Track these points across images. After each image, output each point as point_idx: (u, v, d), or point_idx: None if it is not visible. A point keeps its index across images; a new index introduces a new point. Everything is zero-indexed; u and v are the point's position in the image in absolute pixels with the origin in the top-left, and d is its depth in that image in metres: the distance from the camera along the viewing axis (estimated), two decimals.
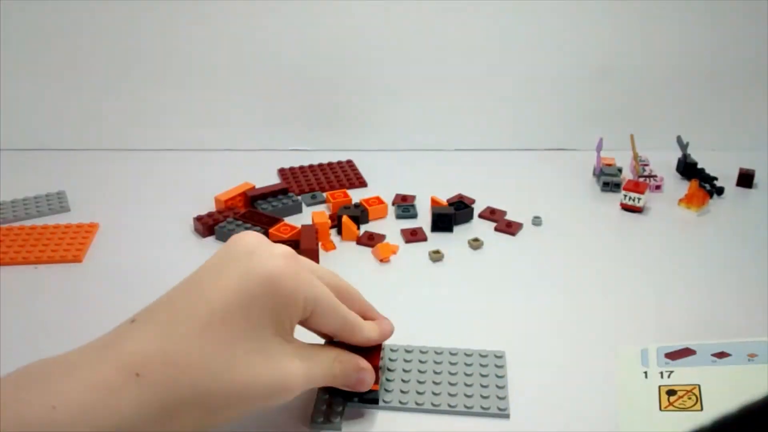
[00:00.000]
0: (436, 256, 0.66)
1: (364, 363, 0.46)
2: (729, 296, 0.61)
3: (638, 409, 0.48)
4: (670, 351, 0.53)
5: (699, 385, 0.49)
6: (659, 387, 0.49)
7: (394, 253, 0.67)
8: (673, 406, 0.48)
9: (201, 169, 0.84)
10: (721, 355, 0.51)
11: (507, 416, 0.48)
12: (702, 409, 0.47)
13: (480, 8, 0.85)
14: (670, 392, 0.49)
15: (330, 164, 0.85)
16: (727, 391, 0.48)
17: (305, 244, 0.65)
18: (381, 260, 0.66)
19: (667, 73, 0.89)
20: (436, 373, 0.51)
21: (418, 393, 0.49)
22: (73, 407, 0.35)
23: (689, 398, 0.48)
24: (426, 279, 0.64)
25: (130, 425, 0.36)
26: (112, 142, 0.89)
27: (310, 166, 0.85)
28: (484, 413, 0.48)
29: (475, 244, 0.69)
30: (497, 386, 0.50)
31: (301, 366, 0.42)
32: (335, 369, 0.45)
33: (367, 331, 0.47)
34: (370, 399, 0.48)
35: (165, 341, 0.38)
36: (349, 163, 0.86)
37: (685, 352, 0.52)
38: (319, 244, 0.67)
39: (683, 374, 0.50)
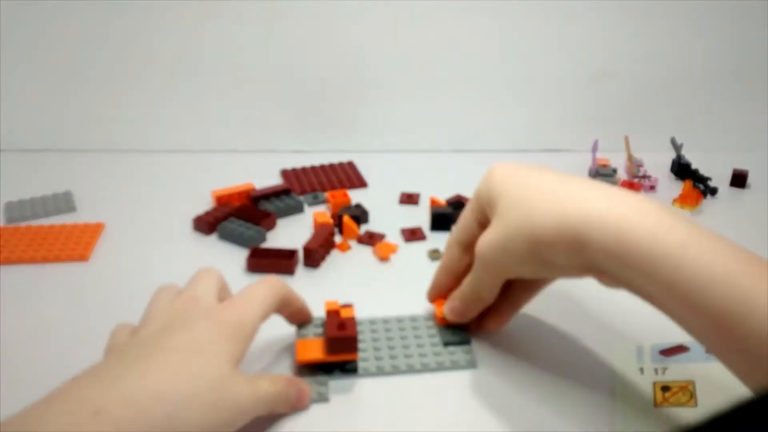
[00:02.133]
0: (436, 255, 0.68)
1: (295, 378, 0.49)
2: None
3: (633, 405, 0.49)
4: (664, 348, 0.54)
5: (693, 381, 0.50)
6: (654, 383, 0.51)
7: (394, 252, 0.69)
8: (668, 402, 0.49)
9: (206, 170, 0.85)
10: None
11: (475, 366, 0.53)
12: (696, 405, 0.48)
13: (479, 10, 0.86)
14: (665, 388, 0.50)
15: (331, 165, 0.86)
16: (721, 387, 0.49)
17: (308, 244, 0.66)
18: (381, 259, 0.68)
19: (661, 75, 0.90)
20: (403, 338, 0.55)
21: (392, 357, 0.53)
22: None
23: (684, 394, 0.49)
24: (425, 277, 0.65)
25: None
26: (119, 144, 0.90)
27: (312, 167, 0.86)
28: (455, 367, 0.52)
29: None
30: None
31: (250, 392, 0.43)
32: (274, 386, 0.46)
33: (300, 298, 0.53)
34: (350, 369, 0.51)
35: (121, 383, 0.38)
36: (350, 164, 0.87)
37: (680, 349, 0.54)
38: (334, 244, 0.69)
39: (677, 370, 0.52)
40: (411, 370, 0.52)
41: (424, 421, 0.48)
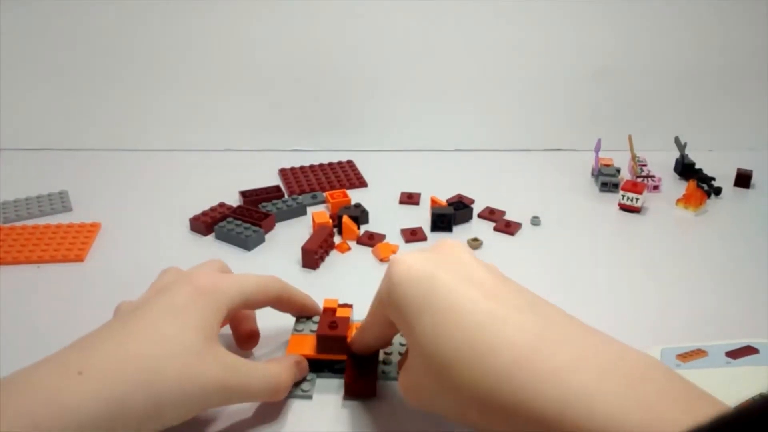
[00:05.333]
0: None
1: (280, 378, 0.46)
2: (727, 296, 0.62)
3: None
4: (682, 352, 0.53)
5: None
6: None
7: (394, 252, 0.68)
8: None
9: (202, 169, 0.85)
10: (734, 355, 0.51)
11: None
12: None
13: (480, 10, 0.85)
14: None
15: (330, 164, 0.86)
16: (734, 392, 0.48)
17: (307, 245, 0.65)
18: (381, 260, 0.67)
19: (664, 74, 0.90)
20: (402, 345, 0.53)
21: (384, 363, 0.52)
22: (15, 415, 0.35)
23: None
24: None
25: (76, 423, 0.36)
26: (115, 143, 0.89)
27: (311, 167, 0.85)
28: None
29: (475, 243, 0.69)
30: None
31: (229, 367, 0.43)
32: (252, 379, 0.44)
33: (301, 297, 0.53)
34: (339, 369, 0.50)
35: (102, 345, 0.40)
36: (350, 163, 0.86)
37: (697, 354, 0.52)
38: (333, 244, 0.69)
39: (692, 376, 0.50)
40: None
41: (404, 425, 0.47)
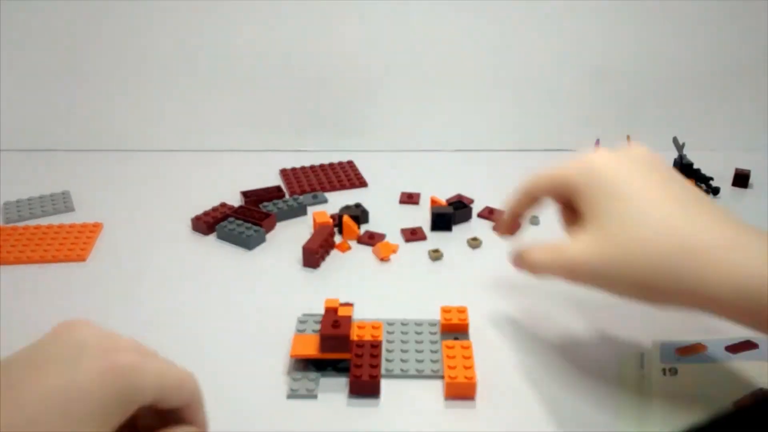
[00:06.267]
0: (436, 255, 0.67)
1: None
2: None
3: (643, 405, 0.49)
4: (681, 346, 0.53)
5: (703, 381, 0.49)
6: (664, 379, 0.50)
7: (394, 252, 0.68)
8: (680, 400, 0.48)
9: (204, 170, 0.85)
10: (733, 349, 0.52)
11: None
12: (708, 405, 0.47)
13: (479, 10, 0.86)
14: (676, 387, 0.49)
15: (331, 164, 0.86)
16: (733, 387, 0.48)
17: (308, 244, 0.66)
18: (381, 259, 0.67)
19: (663, 74, 0.90)
20: (404, 342, 0.54)
21: (387, 360, 0.52)
22: None
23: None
24: (425, 278, 0.65)
25: None
26: (117, 143, 0.90)
27: (312, 167, 0.85)
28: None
29: (474, 243, 0.70)
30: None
31: None
32: None
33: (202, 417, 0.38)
34: (343, 368, 0.51)
35: None
36: (350, 163, 0.86)
37: (696, 348, 0.53)
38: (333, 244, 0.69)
39: (690, 370, 0.51)
40: (403, 375, 0.51)
41: (408, 424, 0.48)
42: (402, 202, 0.78)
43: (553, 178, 0.50)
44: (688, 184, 0.46)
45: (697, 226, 0.42)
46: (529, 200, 0.52)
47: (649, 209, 0.43)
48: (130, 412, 0.33)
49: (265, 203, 0.75)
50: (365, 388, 0.49)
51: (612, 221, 0.44)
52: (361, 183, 0.82)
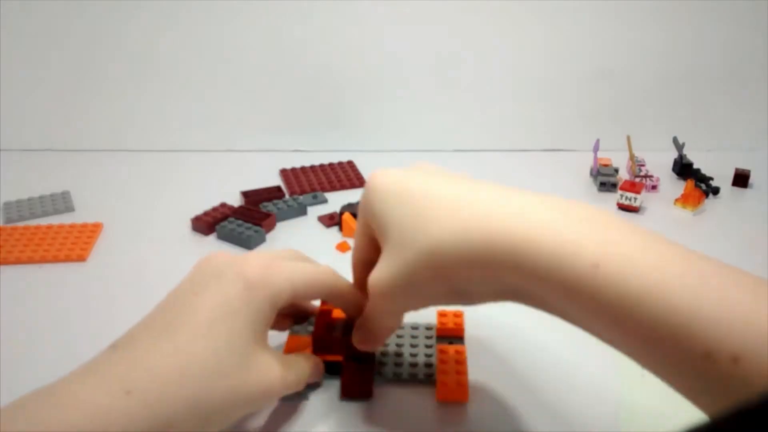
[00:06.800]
0: None
1: (315, 358, 0.49)
2: None
3: (641, 408, 0.49)
4: None
5: None
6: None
7: None
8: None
9: (204, 170, 0.86)
10: None
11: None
12: None
13: (479, 11, 0.86)
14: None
15: (331, 164, 0.86)
16: None
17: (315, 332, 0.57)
18: None
19: (663, 74, 0.90)
20: (398, 346, 0.53)
21: (381, 363, 0.51)
22: (62, 430, 0.34)
23: None
24: None
25: None
26: (117, 143, 0.90)
27: (312, 167, 0.86)
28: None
29: None
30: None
31: (279, 372, 0.42)
32: (306, 373, 0.46)
33: (353, 295, 0.47)
34: (334, 370, 0.51)
35: (151, 360, 0.38)
36: (350, 163, 0.87)
37: None
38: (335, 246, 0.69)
39: None
40: (397, 379, 0.51)
41: (398, 426, 0.47)
42: None
43: (359, 224, 0.46)
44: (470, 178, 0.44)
45: (481, 195, 0.41)
46: (368, 241, 0.45)
47: (435, 198, 0.41)
48: (272, 318, 0.42)
49: (265, 203, 0.75)
50: (357, 390, 0.49)
51: (400, 226, 0.40)
52: (361, 183, 0.82)
